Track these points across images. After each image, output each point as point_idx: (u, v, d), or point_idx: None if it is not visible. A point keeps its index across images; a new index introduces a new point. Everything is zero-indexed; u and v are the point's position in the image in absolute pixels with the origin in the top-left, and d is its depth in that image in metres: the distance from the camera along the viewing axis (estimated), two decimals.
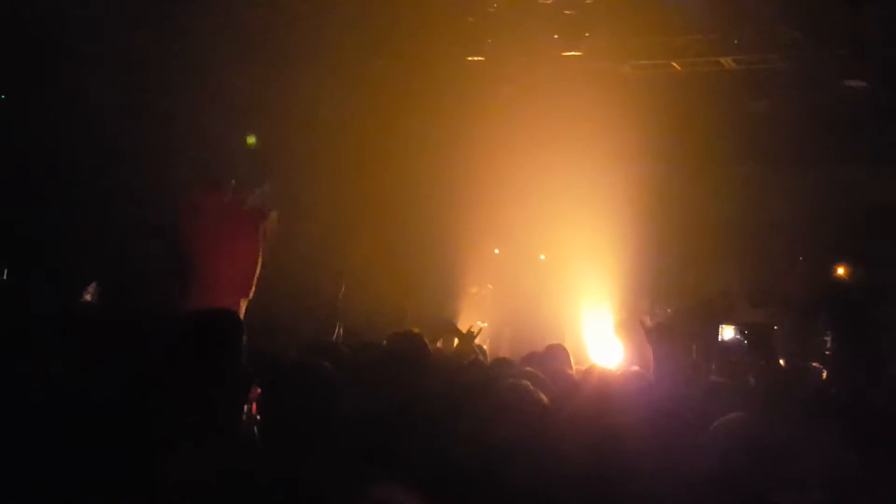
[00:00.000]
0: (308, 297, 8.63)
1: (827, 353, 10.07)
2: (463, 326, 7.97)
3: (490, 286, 11.49)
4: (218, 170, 6.03)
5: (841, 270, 11.31)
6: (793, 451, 3.50)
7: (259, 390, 3.82)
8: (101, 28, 7.90)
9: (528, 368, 4.72)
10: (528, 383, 3.95)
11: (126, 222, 7.27)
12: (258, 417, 3.73)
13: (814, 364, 9.95)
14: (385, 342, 5.22)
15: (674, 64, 9.69)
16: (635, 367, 6.01)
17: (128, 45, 8.00)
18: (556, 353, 6.86)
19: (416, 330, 5.84)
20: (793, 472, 3.45)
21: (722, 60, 9.52)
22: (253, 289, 5.41)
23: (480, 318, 10.68)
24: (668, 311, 10.81)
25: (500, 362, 6.19)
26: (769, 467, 3.50)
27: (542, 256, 11.61)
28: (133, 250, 6.68)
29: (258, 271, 5.48)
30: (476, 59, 9.82)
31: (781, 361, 8.46)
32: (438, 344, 7.33)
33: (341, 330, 7.58)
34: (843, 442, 3.55)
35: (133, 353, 3.42)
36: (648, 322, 9.16)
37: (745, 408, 3.97)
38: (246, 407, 3.66)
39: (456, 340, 7.79)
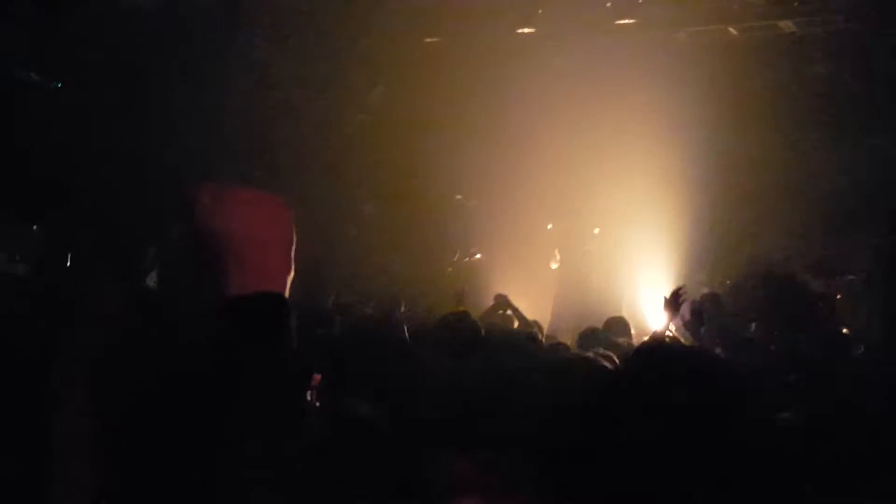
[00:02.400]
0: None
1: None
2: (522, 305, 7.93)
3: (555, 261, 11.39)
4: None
5: None
6: None
7: (319, 377, 3.66)
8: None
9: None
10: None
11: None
12: (318, 405, 3.58)
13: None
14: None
15: (730, 29, 9.43)
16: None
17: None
18: (616, 326, 6.86)
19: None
20: None
21: (780, 24, 9.24)
22: (293, 265, 5.27)
23: (540, 295, 10.55)
24: (727, 283, 10.57)
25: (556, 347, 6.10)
26: None
27: (597, 230, 11.44)
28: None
29: (294, 247, 5.34)
30: (526, 30, 9.64)
31: (845, 330, 8.31)
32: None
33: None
34: None
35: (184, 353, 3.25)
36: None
37: None
38: (308, 395, 3.53)
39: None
